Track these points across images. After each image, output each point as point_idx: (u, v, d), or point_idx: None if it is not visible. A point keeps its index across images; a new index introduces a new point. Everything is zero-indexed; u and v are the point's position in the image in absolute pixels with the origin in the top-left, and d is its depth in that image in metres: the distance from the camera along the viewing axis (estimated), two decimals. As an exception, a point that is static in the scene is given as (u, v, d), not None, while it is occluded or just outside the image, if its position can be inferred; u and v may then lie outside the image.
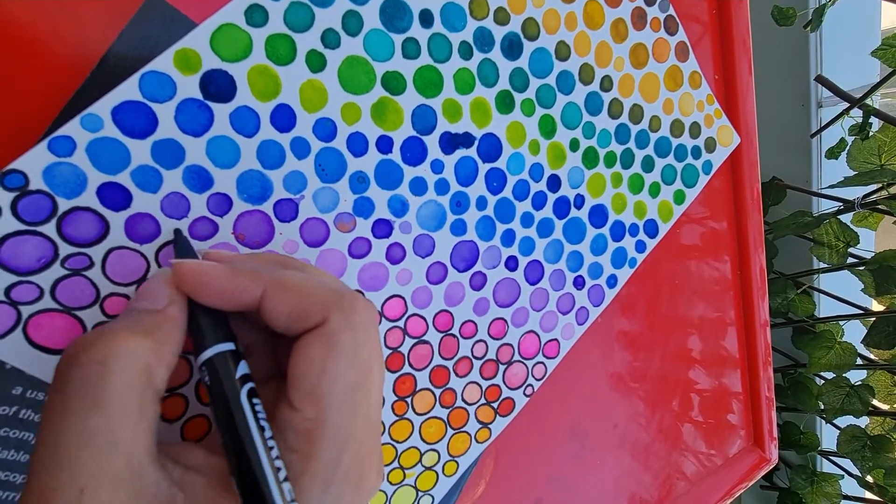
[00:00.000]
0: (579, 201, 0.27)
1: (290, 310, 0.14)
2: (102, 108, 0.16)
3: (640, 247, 0.29)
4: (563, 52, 0.25)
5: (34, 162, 0.16)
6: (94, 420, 0.12)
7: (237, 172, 0.19)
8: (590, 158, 0.27)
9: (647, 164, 0.29)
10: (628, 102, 0.27)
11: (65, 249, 0.16)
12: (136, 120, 0.17)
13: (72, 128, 0.16)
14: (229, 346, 0.15)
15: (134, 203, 0.17)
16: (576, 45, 0.25)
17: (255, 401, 0.14)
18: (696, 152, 0.30)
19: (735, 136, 0.32)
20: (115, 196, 0.17)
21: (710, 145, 0.31)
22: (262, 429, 0.13)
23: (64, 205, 0.16)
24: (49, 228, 0.16)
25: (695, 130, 0.30)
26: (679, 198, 0.30)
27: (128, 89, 0.16)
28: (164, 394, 0.18)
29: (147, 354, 0.13)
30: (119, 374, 0.12)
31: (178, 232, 0.17)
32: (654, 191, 0.29)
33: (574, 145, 0.26)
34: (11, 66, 0.16)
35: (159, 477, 0.13)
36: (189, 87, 0.17)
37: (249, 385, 0.14)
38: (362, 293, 0.22)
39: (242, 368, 0.14)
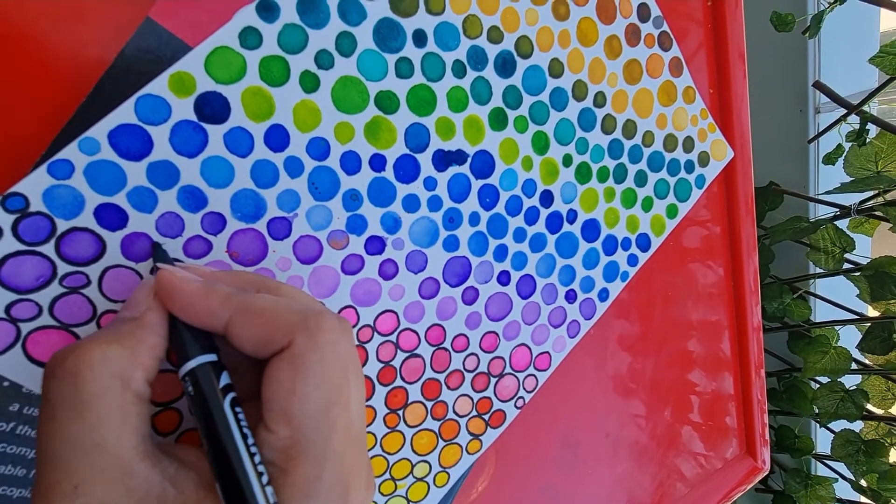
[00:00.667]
0: (572, 216, 0.27)
1: (255, 335, 0.14)
2: (99, 131, 0.17)
3: (633, 260, 0.30)
4: (556, 69, 0.25)
5: (34, 185, 0.16)
6: (76, 426, 0.13)
7: (231, 192, 0.19)
8: (583, 174, 0.27)
9: (640, 179, 0.29)
10: (622, 118, 0.27)
11: (63, 268, 0.17)
12: (131, 142, 0.17)
13: (70, 151, 0.16)
14: (212, 357, 0.15)
15: (130, 223, 0.17)
16: (569, 62, 0.25)
17: (237, 409, 0.14)
18: (690, 167, 0.31)
19: (729, 150, 0.32)
20: (111, 217, 0.17)
21: (704, 159, 0.31)
22: (244, 436, 0.14)
23: (62, 226, 0.17)
24: (48, 248, 0.16)
25: (688, 145, 0.30)
26: (672, 212, 0.30)
27: (124, 113, 0.17)
28: (159, 408, 0.18)
29: (119, 361, 0.14)
30: (91, 382, 0.13)
31: (156, 245, 0.18)
32: (647, 205, 0.29)
33: (567, 161, 0.26)
34: (10, 90, 0.16)
35: (151, 473, 0.13)
36: (184, 109, 0.18)
37: (232, 395, 0.15)
38: (355, 309, 0.22)
39: (225, 379, 0.15)
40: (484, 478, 0.27)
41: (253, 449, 0.14)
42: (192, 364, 0.15)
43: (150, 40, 0.18)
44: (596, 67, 0.26)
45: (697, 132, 0.30)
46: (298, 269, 0.20)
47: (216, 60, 0.18)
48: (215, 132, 0.18)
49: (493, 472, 0.28)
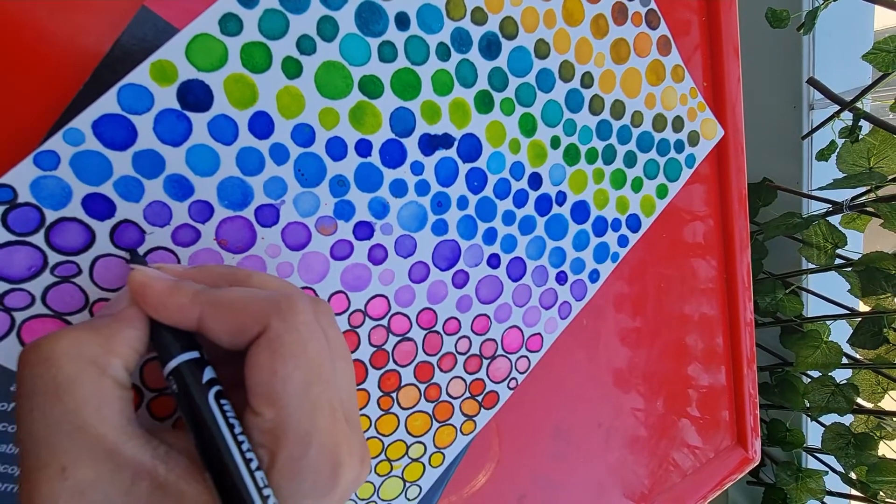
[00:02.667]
0: (561, 198, 0.27)
1: (228, 328, 0.15)
2: (83, 121, 0.17)
3: (623, 241, 0.30)
4: (542, 50, 0.25)
5: (21, 176, 0.16)
6: (56, 409, 0.13)
7: (217, 180, 0.19)
8: (571, 156, 0.27)
9: (630, 160, 0.29)
10: (609, 98, 0.27)
11: (53, 258, 0.17)
12: (116, 132, 0.17)
13: (55, 142, 0.17)
14: (193, 354, 0.15)
15: (118, 212, 0.18)
16: (555, 42, 0.25)
17: (223, 401, 0.15)
18: (680, 146, 0.30)
19: (719, 128, 0.32)
20: (99, 206, 0.17)
21: (694, 139, 0.31)
22: (231, 426, 0.14)
23: (51, 216, 0.17)
24: (38, 238, 0.17)
25: (678, 124, 0.30)
26: (662, 192, 0.30)
27: (106, 103, 0.17)
28: (154, 394, 0.19)
29: (92, 348, 0.14)
30: (66, 366, 0.13)
31: (132, 250, 0.18)
32: (637, 186, 0.29)
33: (555, 143, 0.26)
34: (5, 80, 0.16)
35: (141, 452, 0.14)
36: (166, 97, 0.18)
37: (217, 388, 0.15)
38: (345, 294, 0.22)
39: (208, 373, 0.15)
40: (485, 471, 0.28)
41: (241, 438, 0.14)
42: (173, 363, 0.15)
43: (145, 29, 0.18)
44: (582, 47, 0.26)
45: (687, 111, 0.30)
46: (287, 255, 0.21)
47: (197, 48, 0.18)
48: (199, 120, 0.18)
49: (493, 466, 0.28)
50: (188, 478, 0.14)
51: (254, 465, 0.14)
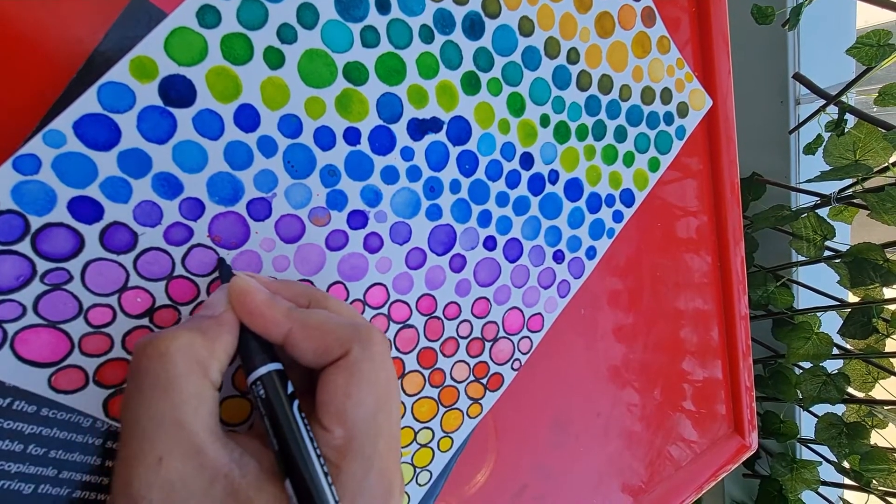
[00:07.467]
0: (553, 177, 0.27)
1: (315, 347, 0.16)
2: (63, 122, 0.16)
3: (618, 217, 0.30)
4: (526, 27, 0.25)
5: (1, 182, 0.16)
6: (162, 402, 0.14)
7: (206, 176, 0.19)
8: (561, 133, 0.27)
9: (620, 134, 0.29)
10: (597, 73, 0.27)
11: (42, 266, 0.17)
12: (98, 132, 0.17)
13: (35, 145, 0.16)
14: (278, 365, 0.16)
15: (106, 214, 0.17)
16: (539, 18, 0.25)
17: (302, 415, 0.16)
18: (669, 118, 0.30)
19: (707, 99, 0.32)
20: (86, 209, 0.17)
21: (683, 110, 0.31)
22: (312, 439, 0.15)
23: (36, 222, 0.16)
24: (24, 247, 0.16)
25: (666, 96, 0.30)
26: (654, 165, 0.30)
27: (87, 102, 0.16)
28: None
29: (200, 348, 0.15)
30: (178, 363, 0.14)
31: (221, 260, 0.19)
32: (629, 160, 0.29)
33: (544, 121, 0.26)
34: None
35: (221, 454, 0.15)
36: (148, 94, 0.17)
37: (296, 401, 0.16)
38: (343, 284, 0.22)
39: (290, 387, 0.16)
40: (484, 470, 0.28)
41: (318, 451, 0.15)
42: (263, 370, 0.16)
43: (140, 17, 0.17)
44: (567, 23, 0.26)
45: (674, 82, 0.30)
46: (283, 248, 0.20)
47: (176, 42, 0.18)
48: (183, 116, 0.18)
49: (493, 460, 0.28)
50: (257, 484, 0.14)
51: (329, 479, 0.15)
